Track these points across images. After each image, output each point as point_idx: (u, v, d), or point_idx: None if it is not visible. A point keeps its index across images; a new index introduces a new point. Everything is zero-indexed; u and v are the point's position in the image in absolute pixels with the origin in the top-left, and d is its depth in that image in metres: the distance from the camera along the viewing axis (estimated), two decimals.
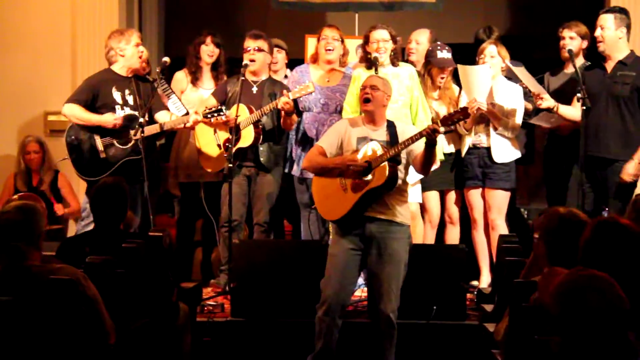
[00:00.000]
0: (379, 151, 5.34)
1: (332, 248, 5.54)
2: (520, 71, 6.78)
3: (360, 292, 6.36)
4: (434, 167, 6.55)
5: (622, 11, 6.72)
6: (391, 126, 5.51)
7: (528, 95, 6.98)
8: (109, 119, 6.67)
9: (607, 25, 6.59)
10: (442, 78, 7.02)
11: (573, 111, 6.69)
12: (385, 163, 5.30)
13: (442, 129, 5.24)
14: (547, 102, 6.69)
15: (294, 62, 7.69)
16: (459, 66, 6.86)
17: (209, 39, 7.42)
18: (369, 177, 5.33)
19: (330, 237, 5.60)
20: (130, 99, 6.79)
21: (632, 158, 6.50)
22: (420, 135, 5.25)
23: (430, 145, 5.27)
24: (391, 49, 6.70)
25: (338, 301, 5.40)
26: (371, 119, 5.51)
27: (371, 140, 5.44)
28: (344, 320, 5.59)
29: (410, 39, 7.51)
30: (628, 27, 6.66)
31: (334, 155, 5.54)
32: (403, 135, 5.42)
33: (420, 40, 7.38)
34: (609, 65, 6.66)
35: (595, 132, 6.51)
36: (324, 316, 5.40)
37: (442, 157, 6.81)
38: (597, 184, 6.63)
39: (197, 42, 7.47)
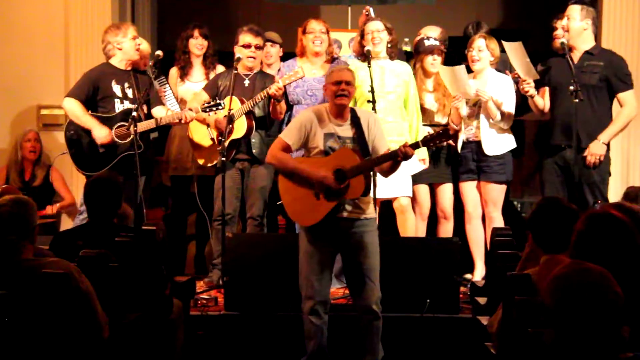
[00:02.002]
0: (353, 159, 5.29)
1: (304, 246, 5.46)
2: (513, 48, 6.76)
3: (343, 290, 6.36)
4: (424, 167, 6.62)
5: (591, 4, 6.79)
6: (355, 118, 5.45)
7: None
8: (101, 134, 6.64)
9: (573, 16, 6.70)
10: (435, 60, 7.02)
11: (541, 102, 6.79)
12: (362, 175, 5.29)
13: (414, 153, 5.28)
14: (531, 90, 6.71)
15: (287, 56, 7.68)
16: (439, 67, 6.87)
17: (196, 32, 7.43)
18: (344, 186, 5.29)
19: (300, 234, 5.54)
20: (129, 93, 6.79)
21: (597, 138, 6.58)
22: (394, 154, 5.24)
23: (398, 162, 5.30)
24: (387, 41, 6.71)
25: (321, 297, 5.41)
26: (339, 113, 5.44)
27: (338, 137, 5.41)
28: (336, 315, 5.60)
29: (419, 32, 7.50)
30: (594, 20, 6.73)
31: (297, 149, 5.51)
32: (369, 128, 5.42)
33: (430, 36, 7.33)
34: (575, 56, 6.72)
35: (566, 122, 6.55)
36: (310, 315, 5.42)
37: (426, 157, 6.89)
38: (569, 175, 6.64)
39: (185, 36, 7.48)
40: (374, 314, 5.38)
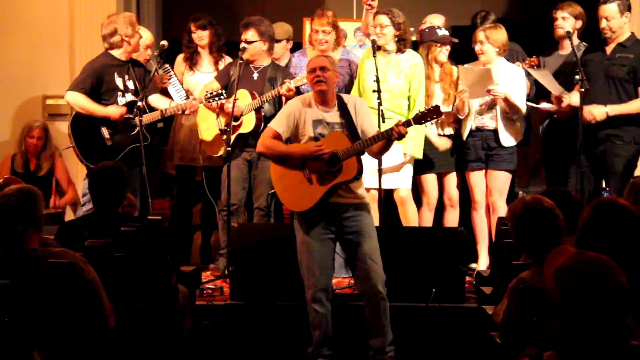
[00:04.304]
0: (344, 142, 5.36)
1: (301, 236, 5.51)
2: (541, 74, 6.80)
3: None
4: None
5: None
6: (342, 104, 5.52)
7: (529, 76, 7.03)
8: (114, 111, 6.66)
9: (612, 15, 6.60)
10: (447, 51, 7.00)
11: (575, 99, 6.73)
12: (354, 157, 5.33)
13: (408, 130, 5.33)
14: (568, 101, 6.69)
15: (294, 46, 7.65)
16: (460, 68, 6.83)
17: (192, 26, 7.41)
18: (336, 169, 5.35)
19: (295, 224, 5.57)
20: (130, 84, 6.80)
21: (605, 105, 6.54)
22: (389, 133, 5.29)
23: (390, 141, 5.36)
24: (394, 35, 6.66)
25: (322, 286, 5.47)
26: (323, 100, 5.51)
27: (326, 123, 5.47)
28: (342, 304, 5.61)
29: (424, 20, 7.47)
30: (629, 8, 6.67)
31: (287, 138, 5.57)
32: (356, 112, 5.49)
33: (435, 25, 7.28)
34: (609, 48, 6.69)
35: (581, 116, 6.52)
36: (313, 304, 5.47)
37: (420, 156, 6.79)
38: (596, 165, 6.66)
39: (187, 30, 7.47)
40: (379, 295, 5.42)
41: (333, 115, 5.50)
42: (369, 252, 5.44)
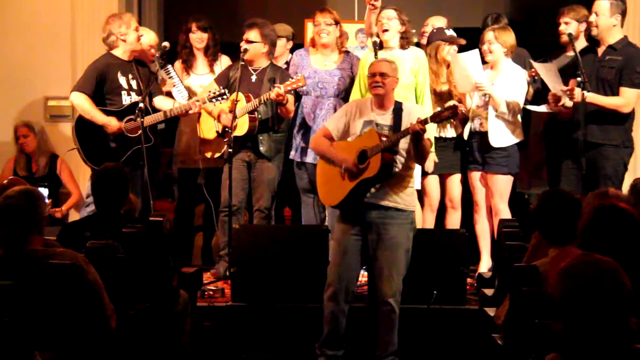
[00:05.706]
0: (376, 139, 5.38)
1: (335, 233, 5.62)
2: (546, 68, 6.78)
3: (361, 276, 6.35)
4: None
5: None
6: (398, 109, 5.55)
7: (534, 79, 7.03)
8: (113, 124, 6.67)
9: (602, 12, 6.61)
10: (454, 51, 7.01)
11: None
12: (379, 154, 5.33)
13: (426, 127, 5.32)
14: (564, 101, 6.67)
15: (294, 46, 7.66)
16: (451, 55, 6.85)
17: (194, 26, 7.39)
18: (364, 166, 5.37)
19: (335, 222, 5.64)
20: (134, 84, 6.81)
21: (586, 90, 6.40)
22: (406, 132, 5.32)
23: (415, 141, 5.34)
24: (398, 31, 6.67)
25: (341, 286, 5.47)
26: (381, 103, 5.56)
27: (376, 124, 5.50)
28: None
29: (426, 22, 7.48)
30: (623, 13, 6.67)
31: (339, 137, 5.61)
32: (410, 118, 5.46)
33: (437, 26, 7.29)
34: (601, 50, 6.69)
35: (583, 115, 6.52)
36: (329, 301, 5.48)
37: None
38: (587, 168, 6.64)
39: (185, 30, 7.45)
40: (388, 307, 5.42)
41: (385, 118, 5.54)
42: (388, 263, 5.43)
